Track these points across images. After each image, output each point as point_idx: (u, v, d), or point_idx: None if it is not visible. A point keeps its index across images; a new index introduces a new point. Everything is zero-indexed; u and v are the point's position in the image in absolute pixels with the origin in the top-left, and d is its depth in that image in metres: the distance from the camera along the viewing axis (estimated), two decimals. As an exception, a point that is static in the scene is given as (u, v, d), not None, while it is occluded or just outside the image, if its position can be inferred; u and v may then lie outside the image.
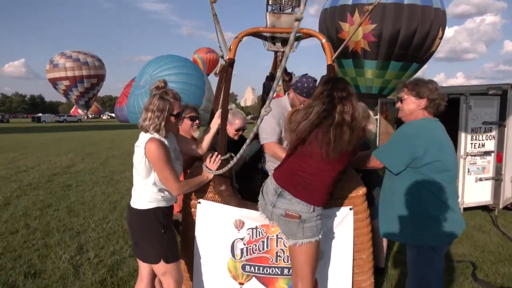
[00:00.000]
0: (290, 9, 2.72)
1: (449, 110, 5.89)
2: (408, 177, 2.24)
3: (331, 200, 2.45)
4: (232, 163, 2.06)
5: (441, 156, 2.17)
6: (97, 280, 3.31)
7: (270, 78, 3.30)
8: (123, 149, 14.94)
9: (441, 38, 11.14)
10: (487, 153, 5.35)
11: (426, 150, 2.15)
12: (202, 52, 34.64)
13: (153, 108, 2.20)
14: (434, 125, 2.29)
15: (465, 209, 5.53)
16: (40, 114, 62.33)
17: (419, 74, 12.07)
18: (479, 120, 5.21)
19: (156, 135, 2.23)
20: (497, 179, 5.39)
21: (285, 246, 2.47)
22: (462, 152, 5.25)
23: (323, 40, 2.58)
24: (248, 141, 1.90)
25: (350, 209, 2.51)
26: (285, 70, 3.17)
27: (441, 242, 2.25)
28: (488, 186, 5.44)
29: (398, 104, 2.41)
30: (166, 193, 2.31)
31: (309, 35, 2.71)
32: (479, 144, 5.30)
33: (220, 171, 2.30)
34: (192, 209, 2.58)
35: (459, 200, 5.37)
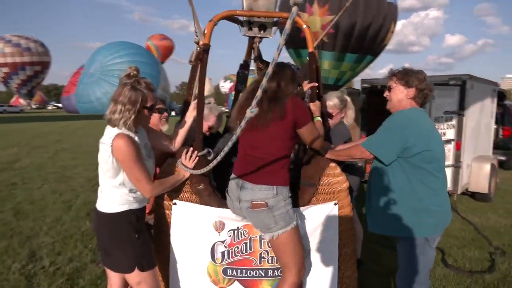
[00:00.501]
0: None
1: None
2: (399, 169, 2.20)
3: (316, 195, 2.35)
4: (216, 160, 1.84)
5: (431, 146, 2.15)
6: (55, 291, 2.98)
7: (244, 66, 3.09)
8: (74, 141, 14.01)
9: (393, 32, 11.53)
10: (448, 141, 5.54)
11: (417, 139, 2.12)
12: (156, 39, 33.38)
13: (124, 100, 1.93)
14: (422, 115, 2.26)
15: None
16: (-25, 104, 57.05)
17: (371, 66, 12.43)
18: (441, 109, 5.37)
19: (125, 131, 1.96)
20: (456, 166, 5.62)
21: (269, 246, 2.31)
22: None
23: (304, 26, 2.41)
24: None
25: (335, 204, 2.41)
26: (261, 59, 2.97)
27: (434, 233, 2.24)
28: (448, 173, 5.63)
29: (386, 93, 2.34)
30: (138, 193, 2.07)
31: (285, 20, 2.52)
32: (441, 133, 5.46)
33: (202, 171, 2.08)
34: (166, 211, 2.34)
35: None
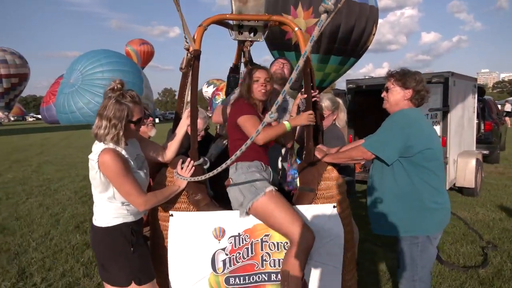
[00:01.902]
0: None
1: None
2: (400, 168, 2.22)
3: (315, 199, 2.34)
4: (219, 169, 1.82)
5: (432, 144, 2.19)
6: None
7: (235, 70, 3.07)
8: (57, 153, 13.70)
9: (374, 34, 11.75)
10: (434, 138, 5.64)
11: (418, 138, 2.15)
12: (135, 44, 32.92)
13: (109, 115, 1.88)
14: (420, 115, 2.30)
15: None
16: (-50, 119, 55.18)
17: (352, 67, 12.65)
18: (425, 107, 5.46)
19: (111, 145, 1.91)
20: (443, 162, 5.71)
21: (270, 249, 2.30)
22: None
23: (296, 29, 2.42)
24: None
25: (334, 206, 2.40)
26: (251, 62, 2.97)
27: (436, 231, 2.28)
28: (435, 169, 5.75)
29: (384, 94, 2.35)
30: (132, 206, 2.01)
31: (280, 23, 2.53)
32: (427, 130, 5.57)
33: (200, 178, 2.05)
34: (163, 223, 2.30)
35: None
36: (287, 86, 1.28)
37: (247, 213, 2.20)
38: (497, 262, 3.62)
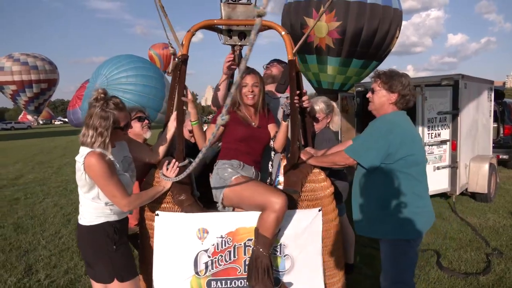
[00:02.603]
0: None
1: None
2: (382, 174, 2.21)
3: (300, 202, 2.36)
4: (190, 168, 1.87)
5: (414, 150, 2.17)
6: (48, 305, 3.01)
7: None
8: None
9: (397, 37, 11.57)
10: (443, 142, 5.51)
11: (400, 145, 2.13)
12: (158, 48, 33.56)
13: (95, 124, 1.96)
14: (405, 119, 2.27)
15: (425, 197, 5.67)
16: (-17, 122, 57.94)
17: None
18: (434, 110, 5.35)
19: (98, 149, 1.99)
20: (453, 166, 5.57)
21: (253, 254, 2.32)
22: (420, 143, 5.37)
23: (283, 33, 2.45)
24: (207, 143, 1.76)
25: (319, 210, 2.41)
26: (246, 67, 3.01)
27: (417, 235, 2.25)
28: (445, 174, 5.61)
29: (369, 95, 2.35)
30: (116, 206, 2.09)
31: (268, 27, 2.56)
32: (435, 133, 5.44)
33: (178, 178, 2.11)
34: (149, 222, 2.36)
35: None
36: (234, 88, 1.28)
37: (223, 205, 2.29)
38: (500, 269, 3.51)
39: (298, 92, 2.45)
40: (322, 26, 10.17)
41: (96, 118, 1.97)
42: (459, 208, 5.61)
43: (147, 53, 33.67)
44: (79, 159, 2.00)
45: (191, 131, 3.11)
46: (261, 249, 2.15)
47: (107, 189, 2.01)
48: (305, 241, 2.39)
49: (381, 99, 2.24)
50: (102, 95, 2.02)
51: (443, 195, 6.00)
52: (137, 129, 2.78)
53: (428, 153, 5.45)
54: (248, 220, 2.30)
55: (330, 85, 11.78)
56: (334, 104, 3.17)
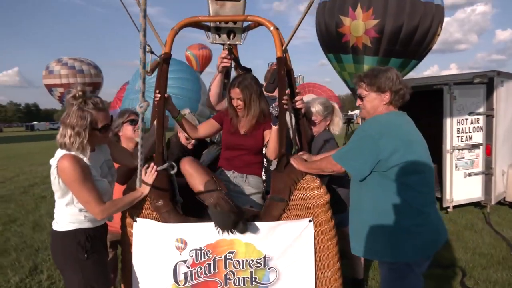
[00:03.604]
0: (237, -5, 2.38)
1: (434, 102, 5.60)
2: (375, 183, 1.93)
3: (287, 211, 2.15)
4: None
5: (410, 157, 1.86)
6: (41, 307, 2.98)
7: (225, 74, 2.96)
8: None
9: (439, 35, 10.97)
10: (475, 146, 5.03)
11: (393, 150, 1.85)
12: (195, 49, 34.18)
13: (72, 123, 1.86)
14: (401, 120, 1.99)
15: (455, 206, 5.21)
16: (35, 123, 61.92)
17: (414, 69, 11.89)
18: (465, 111, 4.89)
19: (73, 152, 1.89)
20: (488, 173, 5.07)
21: (234, 267, 2.14)
22: (448, 146, 4.93)
23: (271, 28, 2.24)
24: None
25: (310, 220, 2.18)
26: (240, 65, 2.83)
27: (416, 258, 1.93)
28: (478, 181, 5.12)
29: (358, 103, 2.09)
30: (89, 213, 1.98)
31: (257, 23, 2.37)
32: (466, 136, 4.98)
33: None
34: (129, 229, 2.25)
35: (448, 197, 5.05)
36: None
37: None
38: (534, 293, 3.07)
39: (288, 92, 2.23)
40: (359, 25, 9.83)
41: (74, 116, 1.87)
42: (494, 219, 5.09)
43: (184, 54, 34.35)
44: (53, 162, 1.92)
45: (188, 138, 2.99)
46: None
47: (80, 195, 1.91)
48: (294, 254, 2.18)
49: (373, 103, 1.98)
50: (80, 93, 1.90)
51: (477, 205, 5.49)
52: (128, 132, 2.70)
53: (457, 158, 5.00)
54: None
55: (367, 85, 11.43)
56: (335, 105, 2.91)
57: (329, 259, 2.26)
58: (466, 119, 4.91)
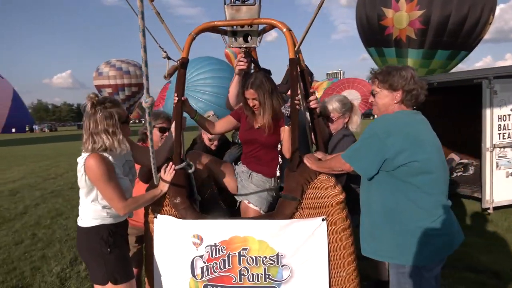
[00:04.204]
0: (252, 0, 2.44)
1: (474, 97, 5.30)
2: (384, 183, 1.92)
3: (300, 209, 2.18)
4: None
5: (419, 156, 1.82)
6: (78, 295, 3.22)
7: (244, 75, 3.02)
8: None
9: (490, 24, 10.33)
10: (522, 144, 4.71)
11: (400, 150, 1.82)
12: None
13: (104, 127, 2.00)
14: (411, 119, 1.95)
15: (496, 208, 4.91)
16: (85, 122, 65.52)
17: (464, 60, 11.25)
18: (507, 106, 4.60)
19: (99, 152, 2.03)
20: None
21: (248, 263, 2.21)
22: (488, 144, 4.66)
23: (284, 30, 2.27)
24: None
25: (323, 219, 2.19)
26: (258, 66, 2.88)
27: (428, 262, 1.89)
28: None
29: (371, 99, 2.08)
30: (113, 209, 2.12)
31: (270, 26, 2.41)
32: (509, 134, 4.68)
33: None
34: (151, 225, 2.37)
35: (487, 198, 4.78)
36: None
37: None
38: None
39: (300, 93, 2.26)
40: (403, 17, 9.53)
41: (103, 120, 2.00)
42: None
43: (224, 51, 34.80)
44: (80, 160, 2.06)
45: (211, 139, 3.09)
46: None
47: (105, 192, 2.04)
48: (307, 253, 2.20)
49: (384, 100, 1.96)
50: (96, 99, 2.04)
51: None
52: (156, 138, 2.80)
53: (499, 157, 4.72)
54: (241, 229, 2.21)
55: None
56: (355, 103, 2.87)
57: (344, 258, 2.25)
58: (509, 115, 4.62)
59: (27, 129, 49.29)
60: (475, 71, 5.37)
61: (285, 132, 2.33)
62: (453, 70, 11.07)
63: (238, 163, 2.65)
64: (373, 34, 10.31)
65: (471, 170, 6.31)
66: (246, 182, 2.51)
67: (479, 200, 4.98)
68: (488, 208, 4.85)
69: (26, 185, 8.77)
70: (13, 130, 44.28)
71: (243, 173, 2.56)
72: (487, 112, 4.57)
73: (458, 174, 6.33)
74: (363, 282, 2.98)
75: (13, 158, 15.16)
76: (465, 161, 6.55)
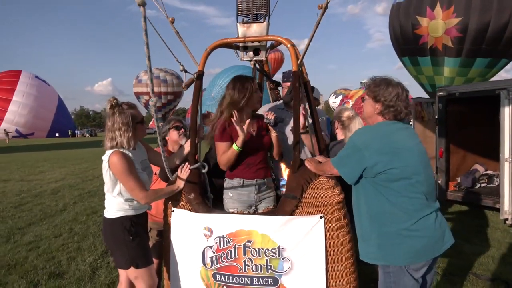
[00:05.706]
0: (262, 19, 2.71)
1: (493, 108, 5.28)
2: (368, 188, 2.07)
3: (299, 208, 2.39)
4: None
5: (396, 164, 1.95)
6: (107, 282, 3.58)
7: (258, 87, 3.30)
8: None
9: None
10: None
11: (377, 160, 1.96)
12: (267, 51, 35.06)
13: (119, 125, 2.32)
14: (391, 129, 2.06)
15: (515, 220, 4.85)
16: (122, 128, 67.98)
17: (507, 67, 10.77)
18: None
19: (120, 149, 2.36)
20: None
21: (252, 255, 2.44)
22: (507, 155, 4.64)
23: (288, 45, 2.53)
24: None
25: (321, 217, 2.40)
26: (269, 78, 3.15)
27: (412, 261, 2.01)
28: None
29: (361, 103, 2.27)
30: (135, 202, 2.43)
31: (277, 42, 2.67)
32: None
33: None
34: (168, 218, 2.67)
35: (506, 209, 4.74)
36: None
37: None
38: None
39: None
40: (439, 25, 9.22)
41: (119, 120, 2.32)
42: None
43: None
44: (105, 158, 2.39)
45: None
46: None
47: (127, 183, 2.33)
48: (306, 247, 2.41)
49: (368, 109, 2.11)
50: (115, 101, 2.36)
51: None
52: (174, 137, 3.14)
53: (518, 167, 4.68)
54: (246, 223, 2.44)
55: (448, 88, 10.60)
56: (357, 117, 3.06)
57: (341, 254, 2.43)
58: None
59: (69, 134, 51.97)
60: (493, 82, 5.36)
61: (272, 139, 2.63)
62: (493, 79, 10.64)
63: (238, 183, 2.65)
64: (407, 43, 10.02)
65: (496, 182, 6.21)
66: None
67: (497, 210, 4.94)
68: (507, 219, 4.80)
69: (66, 185, 9.47)
70: (57, 134, 46.81)
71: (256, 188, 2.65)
72: (506, 122, 4.57)
73: (482, 185, 6.24)
74: (370, 284, 3.15)
75: (56, 160, 16.20)
76: (490, 172, 6.45)
